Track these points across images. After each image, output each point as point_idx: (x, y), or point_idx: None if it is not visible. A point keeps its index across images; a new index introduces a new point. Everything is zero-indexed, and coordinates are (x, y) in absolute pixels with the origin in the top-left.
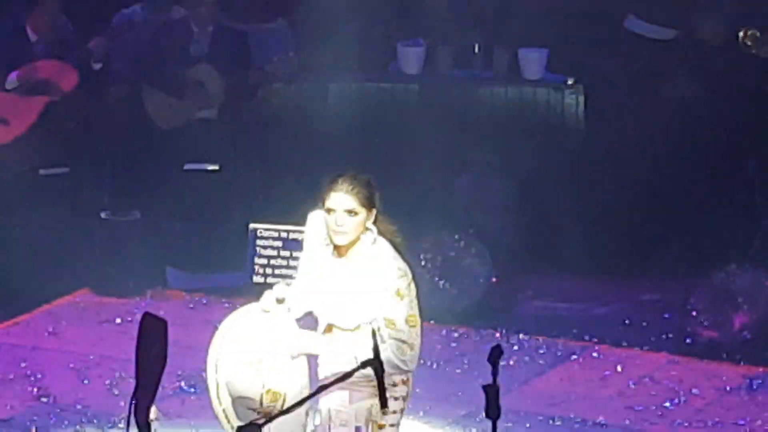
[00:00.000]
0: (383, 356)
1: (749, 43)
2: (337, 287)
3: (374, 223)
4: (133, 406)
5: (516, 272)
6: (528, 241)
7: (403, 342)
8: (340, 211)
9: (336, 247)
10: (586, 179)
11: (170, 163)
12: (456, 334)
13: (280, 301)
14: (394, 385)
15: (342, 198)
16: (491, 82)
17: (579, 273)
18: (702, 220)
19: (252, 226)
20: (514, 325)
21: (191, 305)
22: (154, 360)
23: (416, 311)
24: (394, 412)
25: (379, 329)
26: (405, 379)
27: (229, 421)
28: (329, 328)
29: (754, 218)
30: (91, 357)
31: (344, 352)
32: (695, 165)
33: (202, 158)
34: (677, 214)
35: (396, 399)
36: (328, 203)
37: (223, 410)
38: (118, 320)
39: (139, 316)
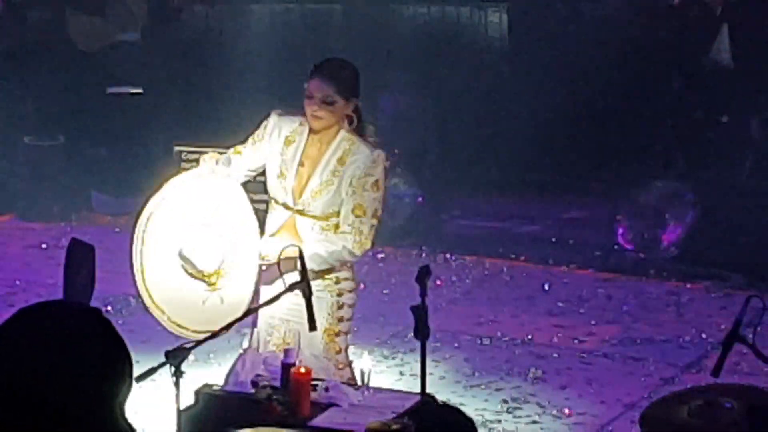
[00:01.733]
0: (338, 245)
1: None
2: (309, 171)
3: (357, 114)
4: None
5: (441, 192)
6: (453, 160)
7: (361, 233)
8: (317, 98)
9: (311, 132)
10: (510, 97)
11: (93, 86)
12: (382, 255)
13: (225, 163)
14: (340, 294)
15: (320, 85)
16: (414, 1)
17: (505, 191)
18: (627, 136)
19: (176, 148)
20: (441, 245)
21: (117, 229)
22: (83, 285)
23: (381, 210)
24: (349, 319)
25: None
26: (352, 288)
27: (153, 301)
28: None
29: (679, 135)
30: (17, 282)
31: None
32: (620, 81)
33: (125, 81)
34: (602, 131)
35: (350, 307)
36: (308, 88)
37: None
38: (44, 245)
39: (64, 241)
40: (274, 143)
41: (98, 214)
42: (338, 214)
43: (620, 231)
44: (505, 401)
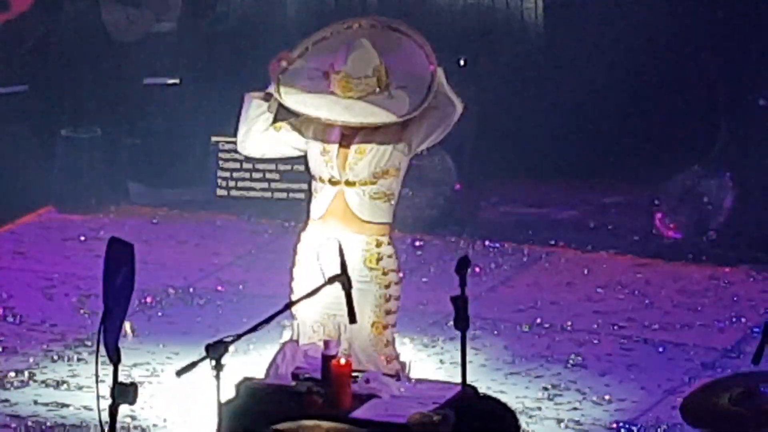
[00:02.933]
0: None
1: None
2: (349, 143)
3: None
4: (102, 332)
5: (479, 178)
6: (491, 147)
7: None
8: None
9: None
10: (548, 82)
11: (130, 78)
12: (421, 243)
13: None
14: (388, 286)
15: None
16: None
17: (543, 177)
18: (666, 121)
19: (214, 139)
20: (479, 232)
21: (155, 220)
22: (122, 285)
23: None
24: (395, 312)
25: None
26: (398, 280)
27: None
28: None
29: (717, 118)
30: (57, 275)
31: None
32: (657, 65)
33: (161, 72)
34: (641, 115)
35: (396, 299)
36: None
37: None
38: (83, 237)
39: (103, 233)
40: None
41: (136, 206)
42: (386, 174)
43: (659, 216)
44: (545, 388)
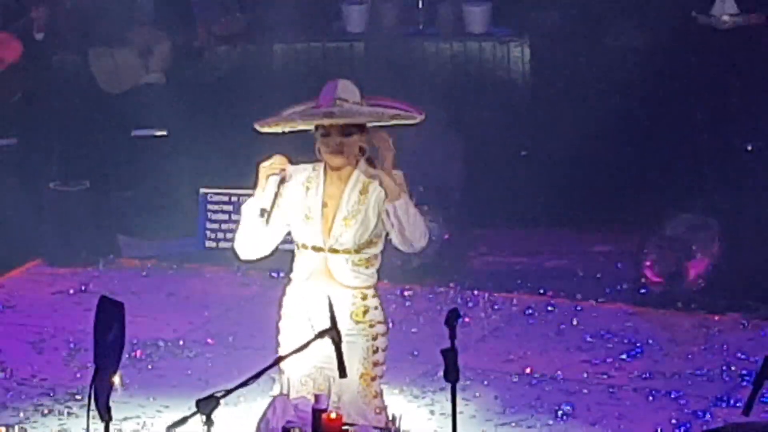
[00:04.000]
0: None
1: None
2: (334, 209)
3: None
4: (93, 390)
5: (467, 228)
6: (478, 196)
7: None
8: (336, 131)
9: (327, 173)
10: (534, 131)
11: (118, 130)
12: (410, 293)
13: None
14: (375, 338)
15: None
16: (436, 38)
17: (531, 226)
18: (653, 169)
19: (202, 191)
20: (468, 282)
21: (144, 273)
22: (113, 343)
23: None
24: (383, 363)
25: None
26: (385, 331)
27: None
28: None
29: (704, 165)
30: (46, 329)
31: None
32: (644, 114)
33: (149, 124)
34: (627, 164)
35: (384, 351)
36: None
37: None
38: (72, 291)
39: (92, 286)
40: (294, 192)
41: (125, 258)
42: (369, 244)
43: (647, 264)
44: None
